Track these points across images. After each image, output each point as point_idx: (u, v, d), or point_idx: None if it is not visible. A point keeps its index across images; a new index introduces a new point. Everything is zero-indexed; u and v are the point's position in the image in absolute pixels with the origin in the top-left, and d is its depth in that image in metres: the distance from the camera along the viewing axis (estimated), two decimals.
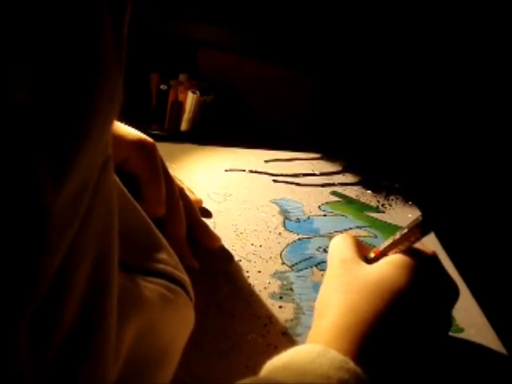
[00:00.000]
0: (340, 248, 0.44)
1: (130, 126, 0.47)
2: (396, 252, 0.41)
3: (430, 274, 0.40)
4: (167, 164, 0.50)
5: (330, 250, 0.46)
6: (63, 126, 0.18)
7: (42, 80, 0.17)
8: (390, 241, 0.42)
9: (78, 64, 0.19)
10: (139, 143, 0.46)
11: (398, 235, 0.41)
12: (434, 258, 0.42)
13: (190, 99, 1.26)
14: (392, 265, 0.40)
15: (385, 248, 0.43)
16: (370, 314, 0.37)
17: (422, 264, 0.40)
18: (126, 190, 0.35)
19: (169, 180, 0.48)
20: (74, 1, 0.18)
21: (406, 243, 0.41)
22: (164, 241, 0.36)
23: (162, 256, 0.34)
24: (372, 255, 0.44)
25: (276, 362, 0.34)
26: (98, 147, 0.21)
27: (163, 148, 0.49)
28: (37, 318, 0.20)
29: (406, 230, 0.41)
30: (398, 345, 0.37)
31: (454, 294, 0.42)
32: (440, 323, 0.41)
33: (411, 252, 0.41)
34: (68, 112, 0.18)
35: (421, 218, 0.39)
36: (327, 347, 0.34)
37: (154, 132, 1.13)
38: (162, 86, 1.31)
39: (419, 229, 0.39)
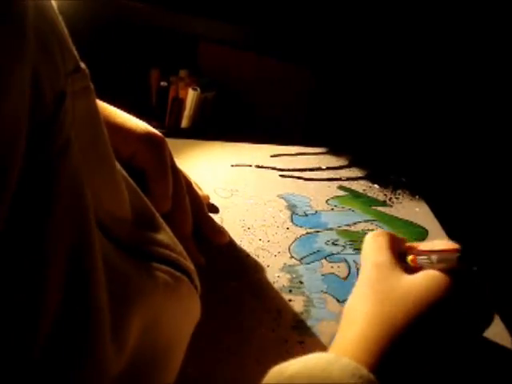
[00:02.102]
0: (374, 249, 0.42)
1: None
2: (435, 269, 0.39)
3: (468, 296, 0.38)
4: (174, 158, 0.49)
5: (363, 249, 0.44)
6: None
7: None
8: (427, 259, 0.40)
9: None
10: (148, 137, 0.45)
11: (434, 260, 0.39)
12: (478, 283, 0.40)
13: (191, 96, 1.26)
14: (432, 279, 0.38)
15: (422, 264, 0.41)
16: (401, 328, 0.35)
17: (463, 284, 0.38)
18: (135, 185, 0.35)
19: (176, 175, 0.47)
20: None
21: (443, 266, 0.39)
22: (170, 231, 0.35)
23: (168, 242, 0.33)
24: (410, 263, 0.42)
25: (283, 373, 0.32)
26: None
27: (168, 143, 0.48)
28: (16, 310, 0.19)
29: (443, 255, 0.39)
30: (421, 360, 0.36)
31: (488, 320, 0.40)
32: (466, 344, 0.39)
33: (455, 272, 0.38)
34: None
35: (458, 255, 0.38)
36: (339, 355, 0.33)
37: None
38: (162, 84, 1.31)
39: (455, 263, 0.38)
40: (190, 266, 0.35)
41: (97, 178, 0.27)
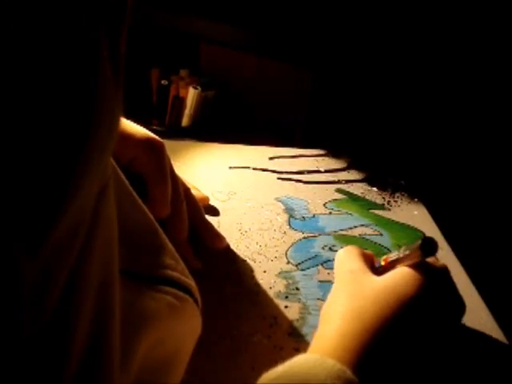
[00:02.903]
0: (347, 259, 0.44)
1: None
2: (404, 265, 0.41)
3: (437, 288, 0.40)
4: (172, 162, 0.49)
5: (336, 261, 0.46)
6: (52, 174, 0.17)
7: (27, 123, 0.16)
8: (397, 254, 0.43)
9: (68, 100, 0.17)
10: (148, 143, 0.45)
11: (402, 252, 0.42)
12: (443, 272, 0.42)
13: (191, 95, 1.25)
14: (400, 276, 0.40)
15: (392, 261, 0.43)
16: (374, 322, 0.36)
17: (430, 277, 0.40)
18: (133, 192, 0.34)
19: (174, 180, 0.47)
20: (68, 25, 0.17)
21: (412, 260, 0.41)
22: (170, 244, 0.35)
23: (169, 261, 0.33)
24: (382, 263, 0.44)
25: (271, 375, 0.33)
26: (93, 182, 0.20)
27: (166, 145, 0.48)
28: (48, 347, 0.19)
29: (408, 252, 0.41)
30: (399, 355, 0.36)
31: (461, 309, 0.42)
32: (444, 335, 0.40)
33: (421, 265, 0.40)
34: (59, 158, 0.17)
35: (420, 242, 0.40)
36: (325, 356, 0.33)
37: (155, 128, 1.12)
38: (162, 82, 1.31)
39: (420, 252, 0.40)
40: (192, 283, 0.35)
41: None
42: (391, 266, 0.43)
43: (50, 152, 0.17)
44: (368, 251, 0.47)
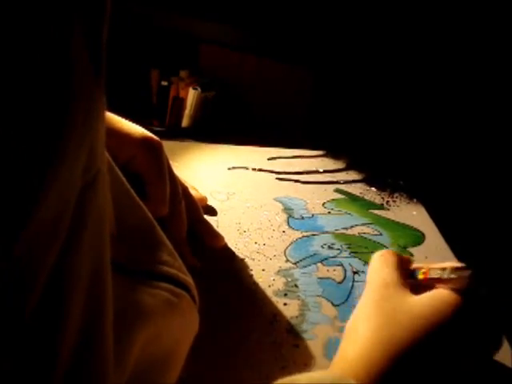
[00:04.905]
0: (382, 267, 0.41)
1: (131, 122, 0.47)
2: (445, 288, 0.38)
3: (477, 321, 0.37)
4: (170, 162, 0.49)
5: (370, 267, 0.42)
6: (23, 168, 0.16)
7: None
8: (440, 273, 0.39)
9: (39, 84, 0.16)
10: (145, 142, 0.45)
11: (446, 274, 0.38)
12: (488, 304, 0.38)
13: (191, 95, 1.26)
14: (439, 302, 0.37)
15: (432, 279, 0.40)
16: (403, 349, 0.34)
17: (471, 309, 0.37)
18: (130, 189, 0.35)
19: (173, 180, 0.48)
20: (38, 12, 0.16)
21: (456, 286, 0.38)
22: (167, 242, 0.35)
23: (166, 258, 0.33)
24: (421, 276, 0.40)
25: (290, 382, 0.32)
26: (72, 174, 0.19)
27: (165, 145, 0.48)
28: (38, 346, 0.19)
29: (453, 275, 0.37)
30: (423, 382, 0.35)
31: (496, 346, 0.39)
32: (471, 371, 0.38)
33: (464, 293, 0.37)
34: (30, 147, 0.16)
35: (470, 272, 0.37)
36: (347, 376, 0.33)
37: (155, 128, 1.12)
38: (162, 82, 1.31)
39: (468, 280, 0.37)
40: (190, 280, 0.35)
41: None
42: (430, 283, 0.39)
43: (21, 150, 0.16)
44: (405, 256, 0.44)
